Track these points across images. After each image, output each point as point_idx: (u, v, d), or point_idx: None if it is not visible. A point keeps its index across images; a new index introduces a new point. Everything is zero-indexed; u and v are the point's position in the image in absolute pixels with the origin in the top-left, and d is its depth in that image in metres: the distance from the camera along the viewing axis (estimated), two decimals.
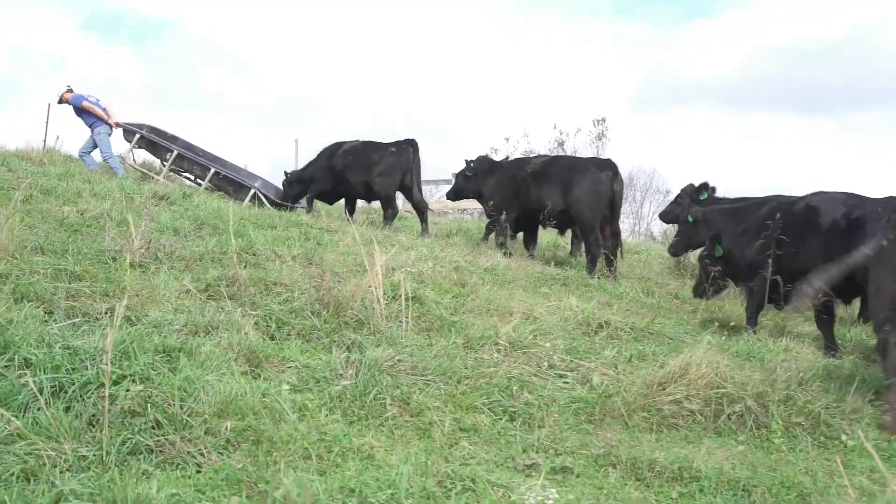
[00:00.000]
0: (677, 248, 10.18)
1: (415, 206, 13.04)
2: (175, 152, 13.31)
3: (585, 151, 26.90)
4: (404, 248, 8.71)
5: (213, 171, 13.21)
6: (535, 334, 6.19)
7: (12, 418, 3.62)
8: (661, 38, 74.61)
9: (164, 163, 13.49)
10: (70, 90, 13.40)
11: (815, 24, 73.38)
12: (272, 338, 5.51)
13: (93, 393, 3.96)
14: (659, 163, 61.58)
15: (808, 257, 7.07)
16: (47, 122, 18.90)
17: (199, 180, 13.53)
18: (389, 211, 12.74)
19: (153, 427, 3.85)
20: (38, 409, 3.77)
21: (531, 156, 12.57)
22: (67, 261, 6.02)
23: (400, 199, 14.91)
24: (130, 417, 3.86)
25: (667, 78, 64.02)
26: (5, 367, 4.07)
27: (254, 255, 7.33)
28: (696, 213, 9.53)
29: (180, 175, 13.98)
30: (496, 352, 5.75)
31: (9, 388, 3.89)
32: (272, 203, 13.09)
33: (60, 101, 13.53)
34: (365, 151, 12.86)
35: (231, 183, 13.45)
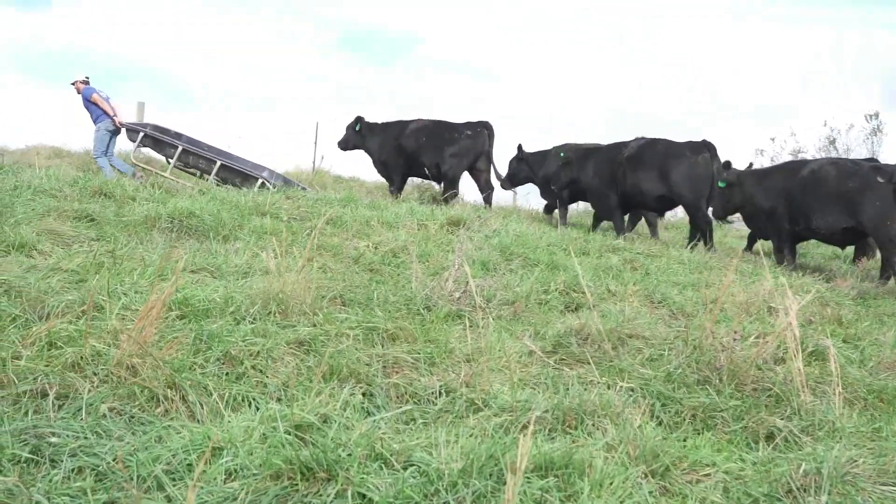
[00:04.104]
0: (717, 212, 10.74)
1: (482, 188, 12.97)
2: (180, 148, 13.04)
3: (859, 149, 23.12)
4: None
5: (218, 163, 12.98)
6: None
7: None
8: None
9: (170, 159, 13.26)
10: (86, 81, 13.31)
11: None
12: (659, 422, 3.90)
13: None
14: None
15: None
16: (315, 143, 18.72)
17: (205, 174, 13.22)
18: (451, 192, 12.47)
19: None
20: None
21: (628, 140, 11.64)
22: (375, 314, 4.75)
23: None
24: None
25: None
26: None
27: (581, 293, 5.79)
28: (729, 176, 10.22)
29: (186, 171, 13.70)
30: None
31: None
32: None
33: (73, 85, 13.37)
34: (438, 132, 12.74)
35: (238, 174, 13.14)
